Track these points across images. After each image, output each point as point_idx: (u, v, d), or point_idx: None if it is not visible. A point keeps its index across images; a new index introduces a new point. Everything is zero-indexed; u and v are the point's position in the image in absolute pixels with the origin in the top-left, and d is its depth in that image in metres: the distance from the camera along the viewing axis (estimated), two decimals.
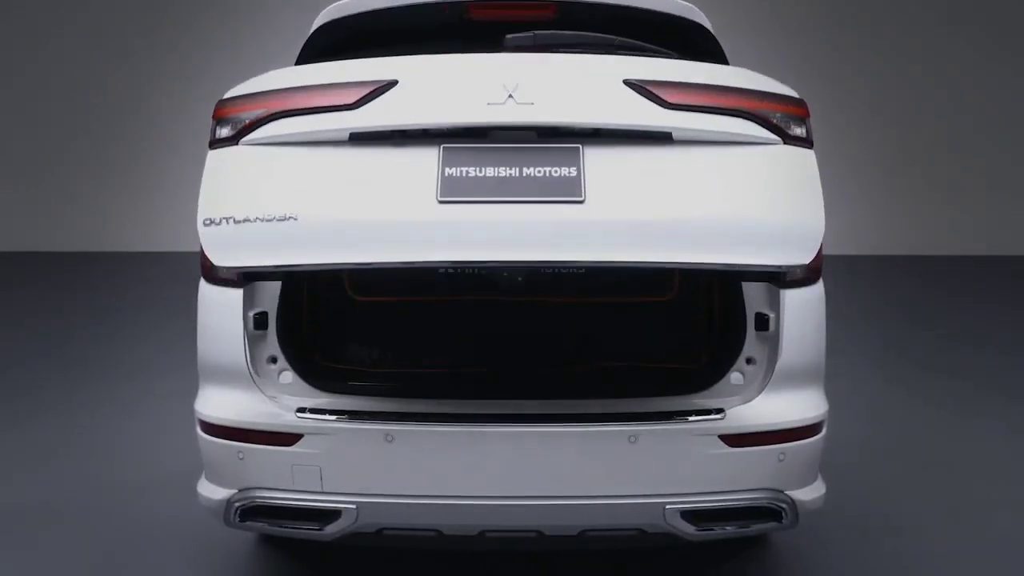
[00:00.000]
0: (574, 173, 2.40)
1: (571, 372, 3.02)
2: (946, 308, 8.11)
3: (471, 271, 2.82)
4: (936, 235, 11.11)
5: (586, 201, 2.37)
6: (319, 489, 2.61)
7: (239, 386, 2.70)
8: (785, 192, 2.45)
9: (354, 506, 2.60)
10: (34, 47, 10.90)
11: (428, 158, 2.42)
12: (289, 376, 2.77)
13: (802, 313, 2.75)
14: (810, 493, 2.76)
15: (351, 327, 3.18)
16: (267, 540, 3.45)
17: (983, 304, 8.30)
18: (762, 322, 2.78)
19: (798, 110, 2.55)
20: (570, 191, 2.39)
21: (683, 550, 3.28)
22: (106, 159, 11.07)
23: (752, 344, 2.78)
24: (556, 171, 2.41)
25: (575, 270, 2.57)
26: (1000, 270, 10.09)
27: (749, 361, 2.79)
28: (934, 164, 11.12)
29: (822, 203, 2.46)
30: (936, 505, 3.87)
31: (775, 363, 2.72)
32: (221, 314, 2.72)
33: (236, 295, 2.71)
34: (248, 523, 2.72)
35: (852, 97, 10.64)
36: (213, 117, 2.58)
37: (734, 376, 2.78)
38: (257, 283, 2.78)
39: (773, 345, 2.74)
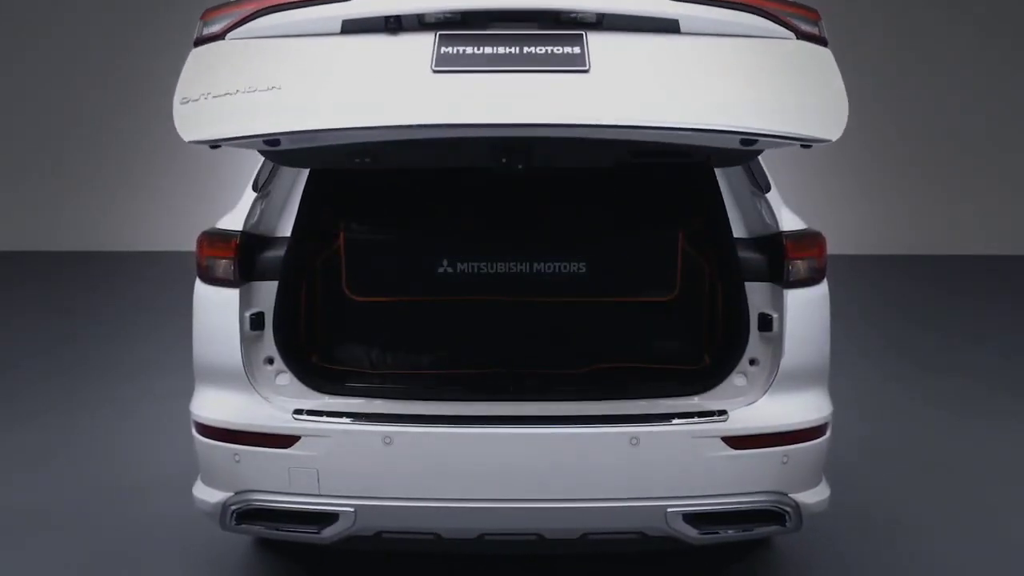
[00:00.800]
0: (578, 51, 2.28)
1: (572, 373, 3.00)
2: (946, 308, 8.07)
3: (464, 148, 2.63)
4: (937, 235, 11.06)
5: (591, 71, 2.24)
6: (316, 492, 2.58)
7: (235, 388, 2.68)
8: (803, 75, 2.35)
9: (352, 509, 2.58)
10: (34, 46, 10.87)
11: (423, 41, 2.30)
12: (286, 377, 2.75)
13: (805, 313, 2.72)
14: (814, 496, 2.73)
15: (349, 328, 3.15)
16: (265, 543, 3.41)
17: (983, 304, 8.26)
18: (765, 322, 2.76)
19: (809, 13, 2.45)
20: (574, 63, 2.26)
21: (686, 553, 3.24)
22: (105, 158, 11.02)
23: (755, 345, 2.76)
24: (559, 49, 2.29)
25: (579, 143, 2.42)
26: (1001, 269, 10.05)
27: (752, 362, 2.77)
28: (935, 164, 11.07)
29: (844, 91, 2.34)
30: (939, 506, 3.84)
31: (778, 364, 2.70)
32: (217, 314, 2.69)
33: (232, 295, 2.69)
34: (244, 526, 2.69)
35: (852, 96, 10.58)
36: (200, 19, 2.46)
37: (737, 377, 2.76)
38: (254, 283, 2.76)
39: (776, 346, 2.72)
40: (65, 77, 10.91)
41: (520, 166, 2.62)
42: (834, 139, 2.26)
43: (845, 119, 2.28)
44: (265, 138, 2.28)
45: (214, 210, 3.10)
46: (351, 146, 2.48)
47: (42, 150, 11.09)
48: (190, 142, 2.27)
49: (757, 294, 2.77)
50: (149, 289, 8.68)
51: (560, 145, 2.50)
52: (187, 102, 2.30)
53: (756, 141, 2.29)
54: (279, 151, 2.52)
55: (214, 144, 2.35)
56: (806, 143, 2.30)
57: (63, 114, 10.99)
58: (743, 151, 2.50)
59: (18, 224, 11.10)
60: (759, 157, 2.94)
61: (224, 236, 2.74)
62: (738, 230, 2.95)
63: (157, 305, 7.78)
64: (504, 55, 2.28)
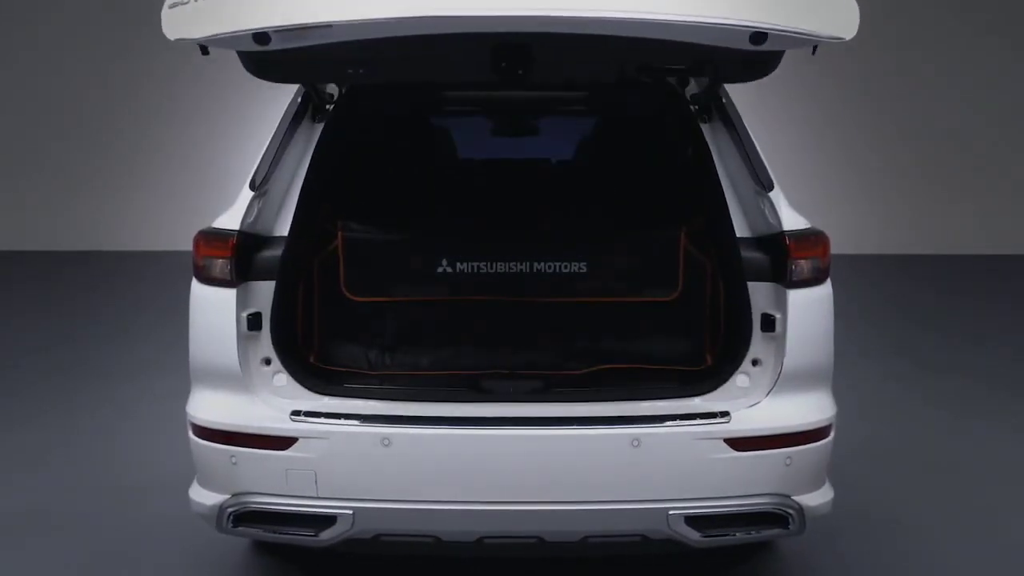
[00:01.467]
0: None
1: (572, 374, 2.97)
2: (946, 308, 8.03)
3: (462, 52, 2.53)
4: (937, 234, 11.00)
5: None
6: (314, 494, 2.56)
7: (232, 389, 2.65)
8: None
9: (350, 511, 2.55)
10: (33, 46, 10.84)
11: None
12: (283, 378, 2.72)
13: (809, 313, 2.69)
14: (818, 498, 2.70)
15: (347, 328, 3.12)
16: (262, 545, 3.38)
17: (984, 304, 8.22)
18: (768, 323, 2.73)
19: None
20: None
21: (687, 556, 3.21)
22: (104, 158, 10.99)
23: (758, 345, 2.73)
24: None
25: (580, 47, 2.34)
26: (1001, 269, 10.00)
27: (755, 363, 2.74)
28: (936, 163, 11.00)
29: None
30: (939, 506, 3.82)
31: (781, 365, 2.67)
32: (213, 314, 2.67)
33: (229, 295, 2.66)
34: (241, 529, 2.66)
35: (853, 95, 10.55)
36: None
37: (740, 378, 2.73)
38: (251, 283, 2.73)
39: (779, 346, 2.69)
40: (64, 77, 10.88)
41: (520, 71, 2.50)
42: (847, 38, 2.22)
43: (857, 20, 2.24)
44: (255, 32, 2.22)
45: (213, 209, 3.06)
46: (343, 52, 2.40)
47: (41, 150, 11.06)
48: (175, 40, 2.24)
49: (760, 294, 2.75)
50: (148, 288, 8.65)
51: (560, 50, 2.41)
52: (176, 5, 2.26)
53: (766, 38, 2.22)
54: (267, 55, 2.44)
55: (203, 47, 2.30)
56: (817, 43, 2.25)
57: (62, 114, 10.96)
58: (751, 55, 2.41)
59: (17, 224, 11.07)
60: (761, 154, 2.91)
61: (221, 235, 2.71)
62: (741, 229, 2.91)
63: (157, 305, 7.75)
64: None
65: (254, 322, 2.70)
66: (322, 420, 2.58)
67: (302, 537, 2.63)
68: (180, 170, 10.79)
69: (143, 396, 5.25)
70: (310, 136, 3.01)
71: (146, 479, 4.02)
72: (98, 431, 4.71)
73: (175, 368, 5.40)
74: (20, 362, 6.04)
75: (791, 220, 2.78)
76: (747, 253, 2.81)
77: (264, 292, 2.72)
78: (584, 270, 3.12)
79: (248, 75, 2.72)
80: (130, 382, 5.55)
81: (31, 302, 8.14)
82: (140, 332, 6.83)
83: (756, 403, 2.67)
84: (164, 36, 2.31)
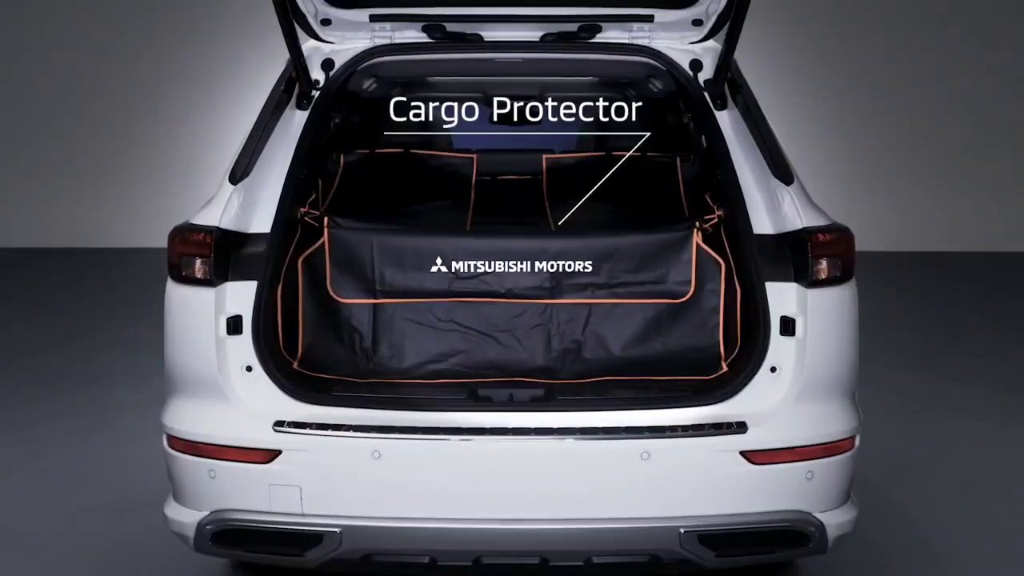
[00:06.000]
0: None
1: (577, 381, 2.85)
2: (967, 306, 7.86)
3: None
4: (959, 230, 10.85)
5: None
6: (299, 511, 2.47)
7: (210, 397, 2.56)
8: None
9: (338, 530, 2.45)
10: (13, 41, 10.79)
11: None
12: (266, 386, 2.59)
13: (831, 315, 2.61)
14: (841, 515, 2.59)
15: (334, 332, 2.99)
16: (243, 567, 3.24)
17: (1007, 302, 8.06)
18: (788, 326, 2.60)
19: None
20: None
21: None
22: (80, 150, 10.90)
23: (777, 350, 2.60)
24: None
25: None
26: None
27: (773, 369, 2.60)
28: (961, 154, 10.84)
29: None
30: (969, 526, 3.65)
31: (802, 371, 2.56)
32: (191, 317, 2.58)
33: (207, 296, 2.57)
34: (221, 549, 2.59)
35: (870, 81, 10.42)
36: None
37: (757, 386, 2.59)
38: (231, 283, 2.62)
39: (800, 351, 2.58)
40: (43, 70, 10.82)
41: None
42: None
43: None
44: None
45: (194, 203, 2.94)
46: None
47: (17, 144, 11.01)
48: None
49: (779, 295, 2.63)
50: (131, 287, 8.53)
51: None
52: None
53: None
54: None
55: None
56: None
57: (41, 108, 10.91)
58: None
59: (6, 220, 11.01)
60: (780, 144, 2.78)
61: (198, 231, 2.61)
62: (758, 225, 2.77)
63: (147, 302, 7.62)
64: None
65: (234, 325, 2.59)
66: (307, 431, 2.49)
67: (286, 557, 2.56)
68: (163, 163, 10.70)
69: (139, 400, 5.00)
70: (295, 125, 2.91)
71: (119, 495, 3.86)
72: (73, 442, 4.57)
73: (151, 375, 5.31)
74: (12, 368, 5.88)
75: (812, 215, 2.69)
76: (764, 251, 2.69)
77: (245, 293, 2.62)
78: (589, 269, 2.99)
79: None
80: (126, 384, 5.37)
81: (24, 301, 7.98)
82: (128, 332, 6.68)
83: (775, 413, 2.55)
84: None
